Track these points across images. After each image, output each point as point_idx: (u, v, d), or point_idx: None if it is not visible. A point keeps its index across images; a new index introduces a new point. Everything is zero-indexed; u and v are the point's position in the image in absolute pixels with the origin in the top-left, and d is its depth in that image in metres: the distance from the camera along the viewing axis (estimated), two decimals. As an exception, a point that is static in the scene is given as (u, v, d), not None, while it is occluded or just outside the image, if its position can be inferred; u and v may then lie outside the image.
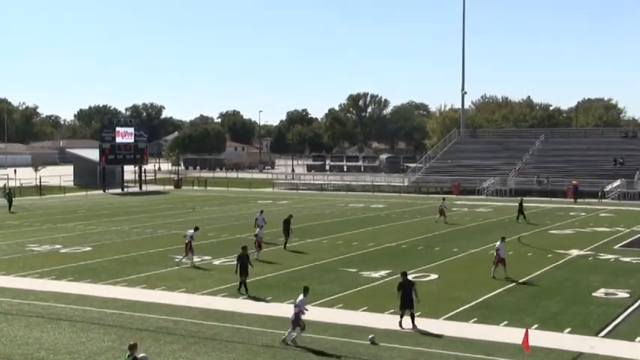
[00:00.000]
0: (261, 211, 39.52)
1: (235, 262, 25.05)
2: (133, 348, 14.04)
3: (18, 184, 75.12)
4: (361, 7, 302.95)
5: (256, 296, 24.22)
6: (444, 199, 50.05)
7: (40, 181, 75.06)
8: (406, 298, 20.15)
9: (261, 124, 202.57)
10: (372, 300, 23.56)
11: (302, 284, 26.07)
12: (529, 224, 45.12)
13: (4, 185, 66.36)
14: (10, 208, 54.34)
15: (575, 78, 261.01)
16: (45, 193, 70.74)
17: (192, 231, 31.25)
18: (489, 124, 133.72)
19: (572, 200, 62.71)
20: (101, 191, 74.72)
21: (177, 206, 58.96)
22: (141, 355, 14.19)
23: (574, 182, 65.12)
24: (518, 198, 55.48)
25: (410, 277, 21.65)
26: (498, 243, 27.70)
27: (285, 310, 22.29)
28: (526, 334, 16.29)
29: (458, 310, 22.31)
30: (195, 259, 31.27)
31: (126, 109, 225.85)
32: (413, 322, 20.17)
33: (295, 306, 18.90)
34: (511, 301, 23.76)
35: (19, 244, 36.64)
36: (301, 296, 19.17)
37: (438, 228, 43.41)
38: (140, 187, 79.76)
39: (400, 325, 20.19)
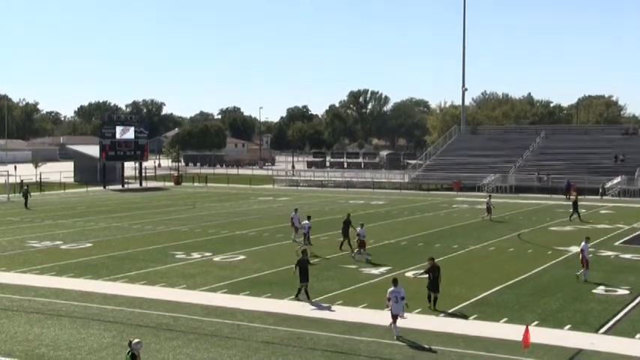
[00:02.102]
0: (296, 210, 37.75)
1: (293, 267, 23.47)
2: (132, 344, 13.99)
3: (19, 180, 75.10)
4: (362, 3, 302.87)
5: (257, 293, 24.24)
6: (490, 196, 49.91)
7: (41, 178, 75.05)
8: (433, 282, 22.12)
9: (262, 120, 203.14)
10: (372, 297, 23.55)
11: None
12: (582, 222, 44.49)
13: (22, 181, 66.63)
14: (26, 205, 54.59)
15: (575, 75, 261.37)
16: (45, 190, 70.72)
17: (307, 222, 34.02)
18: (490, 120, 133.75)
19: (571, 197, 62.74)
20: (101, 187, 74.71)
21: (178, 203, 58.97)
22: (135, 340, 14.13)
23: (573, 183, 65.27)
24: (572, 197, 54.26)
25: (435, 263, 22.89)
26: (583, 244, 26.66)
27: (284, 306, 22.34)
28: (527, 330, 16.31)
29: (458, 307, 22.32)
30: (196, 255, 31.38)
31: (126, 106, 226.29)
32: (434, 304, 22.02)
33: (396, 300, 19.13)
34: (511, 298, 23.77)
35: (19, 241, 36.65)
36: (398, 288, 19.33)
37: (437, 225, 43.39)
38: (140, 184, 79.76)
39: (430, 307, 22.01)
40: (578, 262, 30.35)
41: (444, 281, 24.81)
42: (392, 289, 19.34)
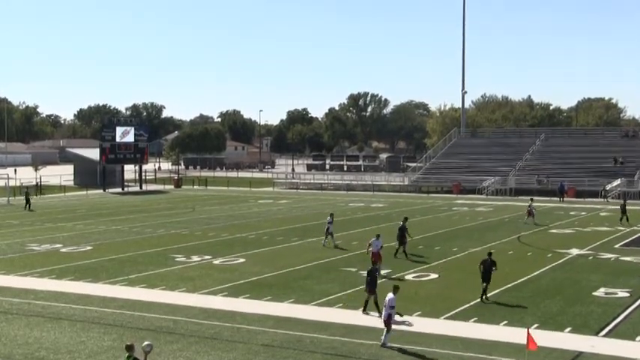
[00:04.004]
0: (332, 215, 36.71)
1: (366, 277, 22.08)
2: (130, 349, 13.96)
3: (19, 183, 75.10)
4: (361, 5, 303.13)
5: (257, 296, 24.23)
6: (531, 199, 49.89)
7: (41, 181, 75.04)
8: (485, 274, 23.52)
9: (262, 123, 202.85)
10: (372, 299, 23.53)
11: (301, 283, 26.27)
12: (626, 224, 44.24)
13: (22, 184, 66.79)
14: (29, 208, 54.76)
15: (575, 77, 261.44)
16: (45, 193, 70.71)
17: (330, 218, 35.38)
18: (489, 123, 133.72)
19: (571, 199, 62.81)
20: (101, 191, 74.71)
21: (178, 206, 58.97)
22: (145, 342, 14.13)
23: (573, 187, 65.42)
24: (621, 200, 52.72)
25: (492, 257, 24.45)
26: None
27: (284, 309, 22.32)
28: (528, 334, 16.31)
29: (458, 310, 22.31)
30: (195, 258, 31.46)
31: (126, 109, 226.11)
32: (484, 294, 23.44)
33: (387, 307, 18.67)
34: (511, 300, 23.75)
35: (19, 244, 36.64)
36: (390, 295, 18.96)
37: (437, 227, 43.37)
38: (140, 187, 79.76)
39: (482, 299, 23.30)
40: (579, 265, 30.46)
41: (445, 283, 24.88)
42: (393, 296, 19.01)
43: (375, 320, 20.93)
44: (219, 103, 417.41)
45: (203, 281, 26.73)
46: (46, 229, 43.14)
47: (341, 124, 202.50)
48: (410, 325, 20.22)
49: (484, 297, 23.53)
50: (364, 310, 21.76)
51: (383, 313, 18.93)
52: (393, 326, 18.93)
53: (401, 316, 19.80)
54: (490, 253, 24.82)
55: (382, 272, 27.20)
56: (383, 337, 18.49)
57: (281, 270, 28.90)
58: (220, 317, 21.35)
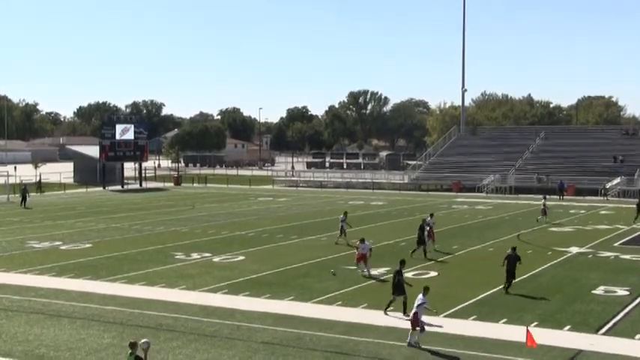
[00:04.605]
0: (345, 213, 36.71)
1: (393, 279, 21.82)
2: (133, 346, 14.00)
3: (18, 181, 75.11)
4: (361, 3, 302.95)
5: (257, 294, 24.25)
6: (545, 197, 49.88)
7: (40, 178, 75.03)
8: (510, 269, 24.23)
9: (261, 121, 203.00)
10: (372, 297, 23.57)
11: (301, 281, 26.28)
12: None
13: (22, 182, 66.86)
14: (25, 204, 54.91)
15: (575, 75, 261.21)
16: (45, 190, 70.69)
17: (343, 216, 35.60)
18: (489, 121, 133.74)
19: (570, 197, 62.83)
20: (101, 188, 74.70)
21: (177, 203, 58.98)
22: (143, 340, 14.17)
23: (572, 184, 65.45)
24: (636, 199, 52.22)
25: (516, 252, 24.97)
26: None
27: (283, 307, 22.34)
28: (528, 333, 16.35)
29: (457, 308, 22.33)
30: (195, 255, 31.51)
31: (126, 107, 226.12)
32: (507, 288, 24.23)
33: (415, 307, 18.53)
34: (510, 298, 23.76)
35: (19, 241, 36.65)
36: (420, 296, 18.78)
37: (437, 225, 43.16)
38: (140, 184, 79.75)
39: (506, 291, 24.15)
40: (579, 263, 30.48)
41: (444, 281, 24.90)
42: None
43: (374, 318, 20.97)
44: (219, 101, 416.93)
45: (203, 279, 26.74)
46: (46, 226, 43.15)
47: (341, 122, 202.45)
48: (440, 327, 19.82)
49: (507, 289, 24.31)
50: (385, 310, 21.44)
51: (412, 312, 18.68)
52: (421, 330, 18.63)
53: (433, 311, 19.35)
54: (514, 248, 25.26)
55: (372, 272, 27.16)
56: (414, 337, 18.29)
57: (280, 268, 28.92)
58: (220, 315, 21.37)
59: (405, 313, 20.96)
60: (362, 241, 27.95)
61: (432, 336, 19.20)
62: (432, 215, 34.81)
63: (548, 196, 52.94)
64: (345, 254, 32.33)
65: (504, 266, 24.52)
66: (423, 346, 18.22)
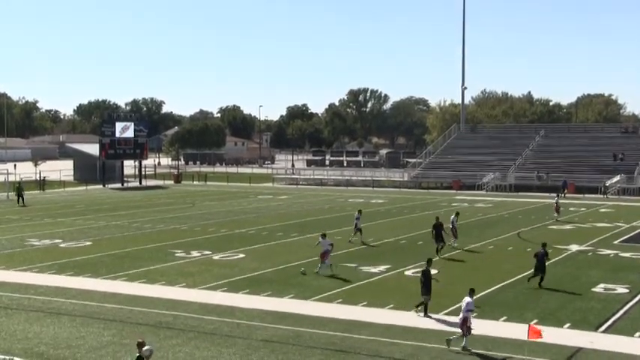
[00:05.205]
0: (360, 211, 36.91)
1: (420, 278, 21.53)
2: (141, 346, 13.93)
3: (18, 179, 75.09)
4: (361, 1, 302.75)
5: (256, 292, 24.24)
6: (558, 195, 49.86)
7: (40, 176, 75.04)
8: (539, 265, 24.80)
9: (261, 119, 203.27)
10: (372, 295, 23.58)
11: (301, 279, 26.25)
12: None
13: (21, 180, 66.87)
14: (22, 202, 54.90)
15: (575, 73, 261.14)
16: (44, 188, 70.68)
17: (357, 214, 35.92)
18: (489, 119, 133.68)
19: (570, 195, 62.79)
20: (101, 186, 74.71)
21: (177, 201, 58.97)
22: (145, 347, 14.13)
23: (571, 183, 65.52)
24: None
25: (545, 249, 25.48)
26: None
27: (283, 305, 22.34)
28: (530, 327, 16.38)
29: (457, 306, 22.19)
30: (195, 253, 31.53)
31: (126, 104, 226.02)
32: (540, 283, 24.67)
33: (464, 310, 18.13)
34: (510, 296, 23.77)
35: (18, 239, 36.65)
36: (468, 298, 18.39)
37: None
38: (140, 182, 79.76)
39: (539, 283, 24.61)
40: (578, 261, 30.47)
41: (444, 279, 24.88)
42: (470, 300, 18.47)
43: (374, 316, 20.96)
44: (219, 99, 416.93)
45: (202, 277, 26.74)
46: (46, 224, 43.15)
47: (341, 120, 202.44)
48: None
49: (540, 284, 24.80)
50: (425, 314, 20.95)
51: (460, 316, 18.31)
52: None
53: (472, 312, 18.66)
54: (544, 244, 25.86)
55: (329, 272, 26.74)
56: (464, 342, 17.78)
57: (280, 265, 28.92)
58: (220, 313, 21.36)
59: (425, 314, 20.83)
60: (323, 236, 27.82)
61: (432, 334, 19.19)
62: (457, 214, 35.25)
63: (550, 194, 52.86)
64: (347, 252, 32.36)
65: (535, 263, 25.11)
66: (424, 345, 18.21)
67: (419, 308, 21.22)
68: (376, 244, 34.69)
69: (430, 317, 20.81)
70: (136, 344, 14.14)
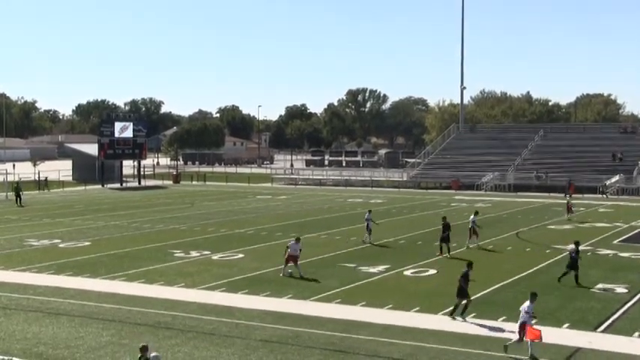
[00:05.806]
0: (370, 211, 36.31)
1: (462, 281, 20.90)
2: (144, 350, 13.92)
3: (17, 179, 75.01)
4: (361, 1, 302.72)
5: (256, 292, 24.23)
6: (569, 195, 49.78)
7: (39, 176, 75.02)
8: (572, 262, 25.17)
9: (260, 119, 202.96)
10: (371, 295, 23.57)
11: (300, 279, 26.20)
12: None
13: (20, 179, 66.84)
14: (20, 202, 54.91)
15: (574, 73, 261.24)
16: (47, 188, 70.66)
17: (368, 214, 35.42)
18: (488, 119, 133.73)
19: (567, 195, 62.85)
20: (100, 186, 74.68)
21: (176, 201, 58.94)
22: (153, 354, 14.06)
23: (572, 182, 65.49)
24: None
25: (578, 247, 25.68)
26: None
27: (282, 305, 22.33)
28: (528, 328, 16.35)
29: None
30: (194, 253, 31.51)
31: (125, 104, 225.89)
32: (576, 280, 25.08)
33: (522, 316, 17.69)
34: (509, 296, 23.74)
35: (17, 239, 36.62)
36: (527, 302, 17.93)
37: (436, 223, 43.17)
38: (139, 182, 79.73)
39: (576, 281, 25.00)
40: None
41: (443, 279, 24.87)
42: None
43: (373, 316, 20.94)
44: (218, 99, 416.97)
45: (202, 277, 26.73)
46: (45, 224, 43.11)
47: (340, 120, 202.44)
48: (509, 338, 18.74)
49: (577, 281, 25.12)
50: (462, 317, 20.64)
51: (519, 321, 17.80)
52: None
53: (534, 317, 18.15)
54: (577, 242, 25.86)
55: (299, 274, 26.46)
56: (529, 349, 17.19)
57: (279, 265, 28.85)
58: (219, 313, 21.35)
59: (461, 314, 20.63)
60: (297, 240, 27.51)
61: (431, 333, 19.19)
62: (476, 213, 35.13)
63: (549, 194, 52.86)
64: (346, 252, 32.36)
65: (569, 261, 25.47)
66: (423, 345, 18.20)
67: (454, 315, 20.70)
68: (375, 244, 34.64)
69: (465, 321, 20.45)
70: (139, 348, 14.10)
